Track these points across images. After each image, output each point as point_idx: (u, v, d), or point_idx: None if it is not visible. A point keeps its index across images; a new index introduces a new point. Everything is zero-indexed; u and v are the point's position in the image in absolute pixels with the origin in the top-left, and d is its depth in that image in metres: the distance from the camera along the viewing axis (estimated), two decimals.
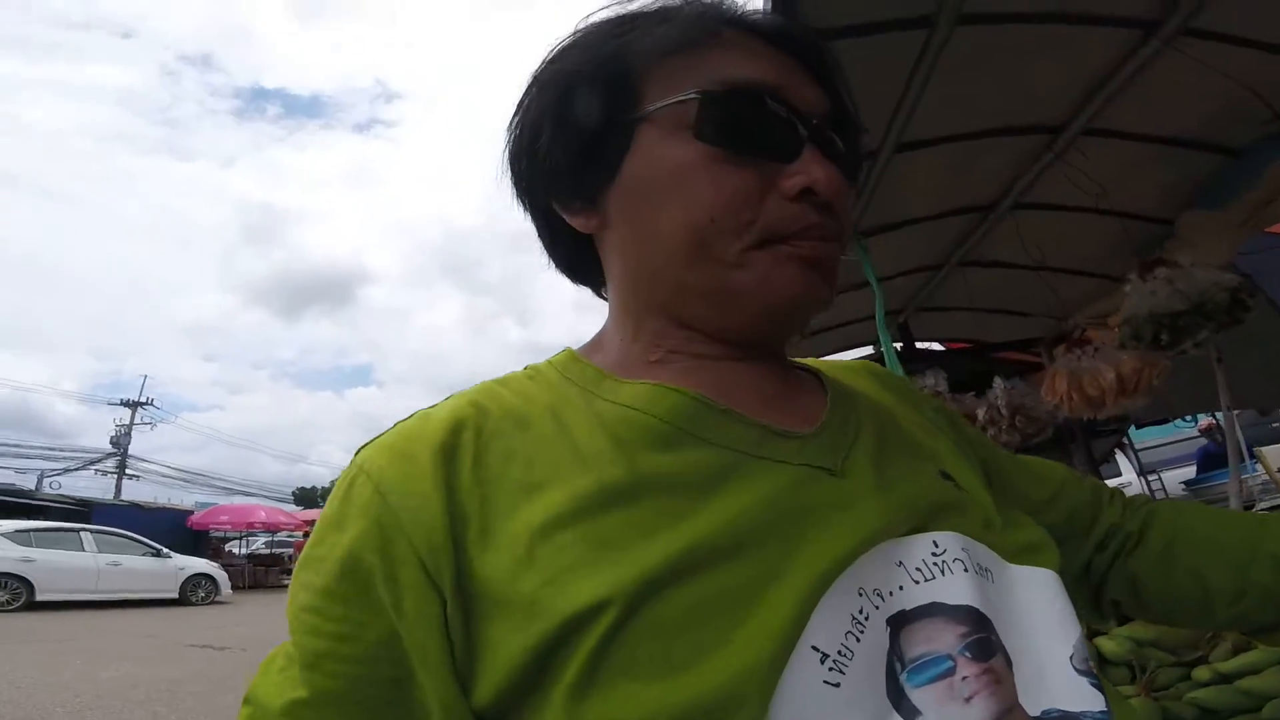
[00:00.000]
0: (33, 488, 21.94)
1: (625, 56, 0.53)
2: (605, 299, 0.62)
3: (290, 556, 23.37)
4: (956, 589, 0.45)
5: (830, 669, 0.40)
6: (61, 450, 29.95)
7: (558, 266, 0.64)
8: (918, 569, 0.46)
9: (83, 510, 17.70)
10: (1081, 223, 2.60)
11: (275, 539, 23.85)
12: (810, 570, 0.43)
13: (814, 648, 0.40)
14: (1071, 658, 0.46)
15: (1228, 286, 2.18)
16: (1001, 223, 2.67)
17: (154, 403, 30.95)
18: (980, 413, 3.35)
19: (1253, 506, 4.42)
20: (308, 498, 41.43)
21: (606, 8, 0.56)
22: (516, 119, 0.58)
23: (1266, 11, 1.65)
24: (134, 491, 29.11)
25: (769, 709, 0.39)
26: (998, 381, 3.37)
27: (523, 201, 0.61)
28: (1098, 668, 0.47)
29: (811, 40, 0.55)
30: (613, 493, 0.45)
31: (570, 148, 0.54)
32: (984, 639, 0.44)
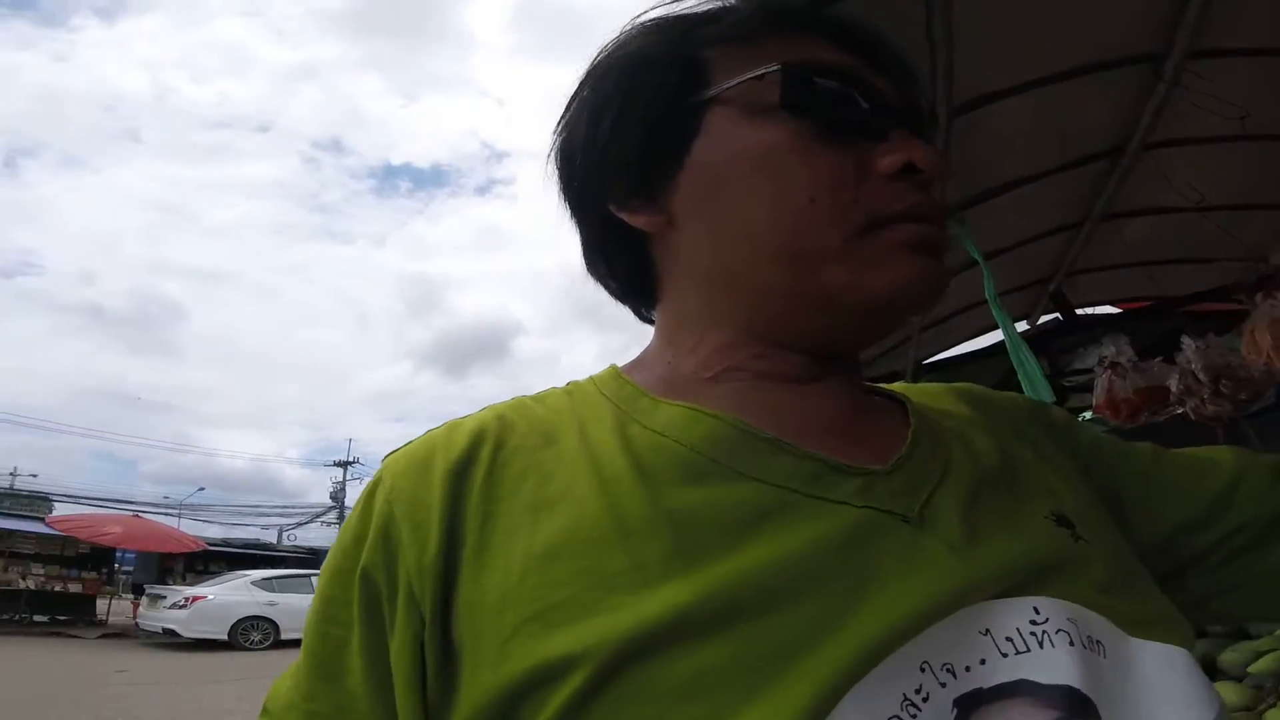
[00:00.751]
0: (274, 540, 25.86)
1: (690, 41, 0.50)
2: (648, 320, 0.58)
3: None
4: (1054, 665, 0.37)
5: None
6: (293, 507, 35.45)
7: (606, 279, 0.58)
8: (1009, 639, 0.38)
9: (313, 558, 20.59)
10: (1238, 152, 2.32)
11: None
12: (854, 642, 0.36)
13: None
14: None
15: None
16: (1139, 165, 2.43)
17: (360, 461, 35.98)
18: (1172, 382, 2.89)
19: None
20: None
21: (657, 6, 0.53)
22: (568, 115, 0.54)
23: None
24: None
25: None
26: (1186, 341, 2.90)
27: (572, 206, 0.56)
28: None
29: (874, 36, 0.51)
30: (625, 526, 0.40)
31: (632, 135, 0.50)
32: None
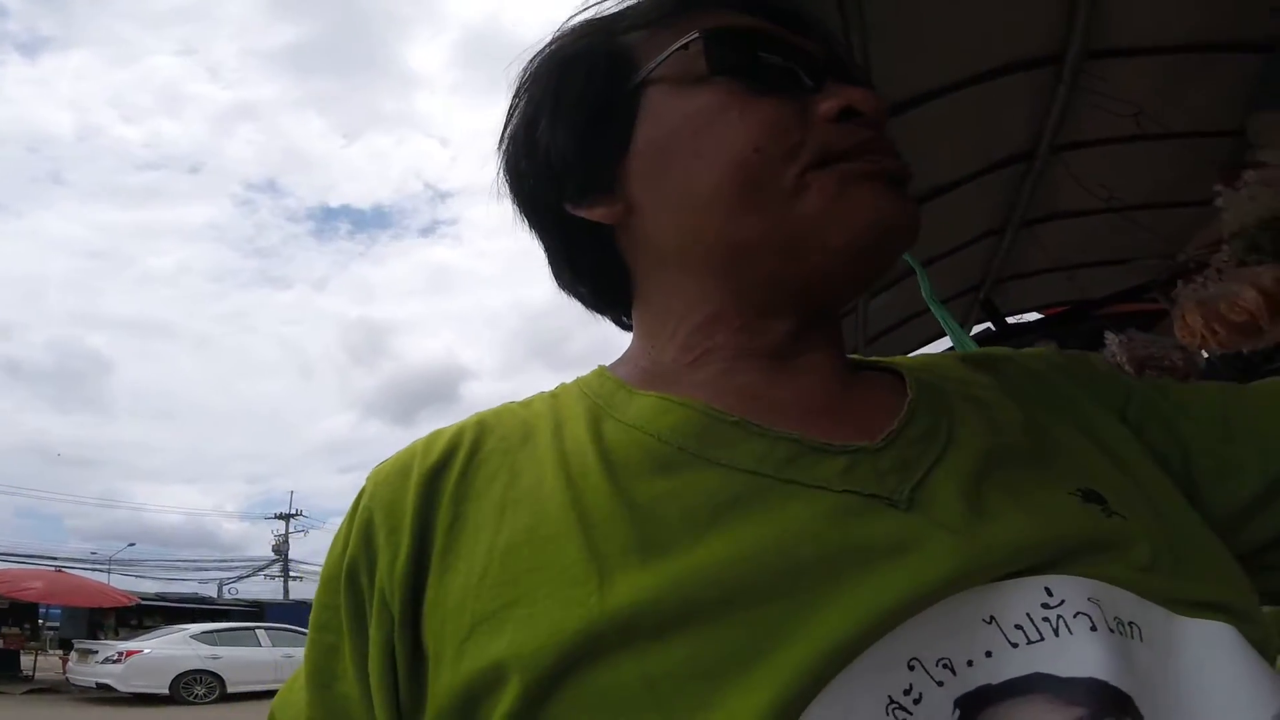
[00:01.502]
0: (214, 594, 24.97)
1: (613, 31, 0.51)
2: (628, 325, 0.57)
3: None
4: (1076, 655, 0.33)
5: None
6: (234, 561, 34.80)
7: (575, 286, 0.58)
8: (1018, 627, 0.34)
9: (256, 611, 20.26)
10: (1142, 152, 2.47)
11: None
12: (823, 638, 0.33)
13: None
14: None
15: None
16: (1050, 170, 2.61)
17: (303, 513, 35.08)
18: None
19: None
20: None
21: (581, 9, 0.54)
22: (508, 127, 0.55)
23: None
24: (300, 591, 33.02)
25: None
26: (1109, 336, 3.06)
27: (528, 217, 0.56)
28: None
29: (791, 3, 0.51)
30: (586, 520, 0.39)
31: (575, 130, 0.50)
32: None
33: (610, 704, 0.33)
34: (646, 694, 0.33)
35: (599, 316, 0.60)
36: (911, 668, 0.33)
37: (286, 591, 31.36)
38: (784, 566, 0.36)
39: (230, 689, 13.46)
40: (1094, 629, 0.34)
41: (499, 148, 0.56)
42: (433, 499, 0.44)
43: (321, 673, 0.44)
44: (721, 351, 0.48)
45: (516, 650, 0.35)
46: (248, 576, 31.91)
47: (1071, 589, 0.35)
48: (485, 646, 0.36)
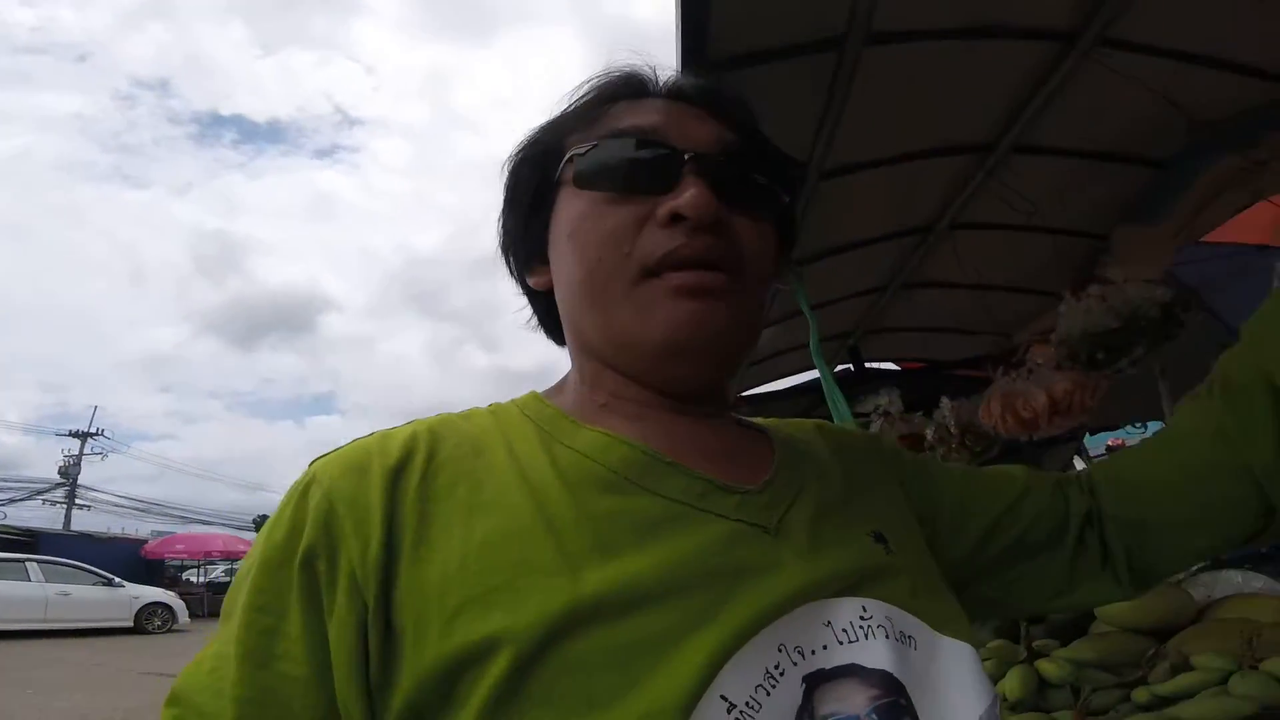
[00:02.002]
0: None
1: (551, 135, 0.60)
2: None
3: None
4: (876, 654, 0.47)
5: (736, 719, 0.43)
6: (5, 481, 28.93)
7: (540, 328, 0.68)
8: (844, 630, 0.48)
9: (28, 540, 17.29)
10: (1018, 241, 2.69)
11: (235, 566, 23.27)
12: (730, 624, 0.45)
13: (723, 697, 0.43)
14: None
15: (1160, 301, 2.19)
16: (941, 243, 2.78)
17: (104, 433, 30.06)
18: (929, 432, 3.40)
19: None
20: None
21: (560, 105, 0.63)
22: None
23: (1180, 20, 1.68)
24: (85, 522, 28.18)
25: None
26: (944, 401, 3.43)
27: (512, 277, 0.66)
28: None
29: (704, 87, 0.60)
30: (552, 525, 0.48)
31: (519, 213, 0.62)
32: (894, 703, 0.46)
33: (584, 667, 0.42)
34: (611, 659, 0.43)
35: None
36: (780, 650, 0.46)
37: (68, 520, 27.41)
38: (702, 570, 0.47)
39: None
40: (888, 637, 0.49)
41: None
42: (398, 496, 0.49)
43: (257, 653, 0.46)
44: (624, 399, 0.58)
45: (509, 625, 0.43)
46: (22, 500, 27.75)
47: (876, 608, 0.50)
48: (474, 624, 0.43)
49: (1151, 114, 1.93)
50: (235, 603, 0.48)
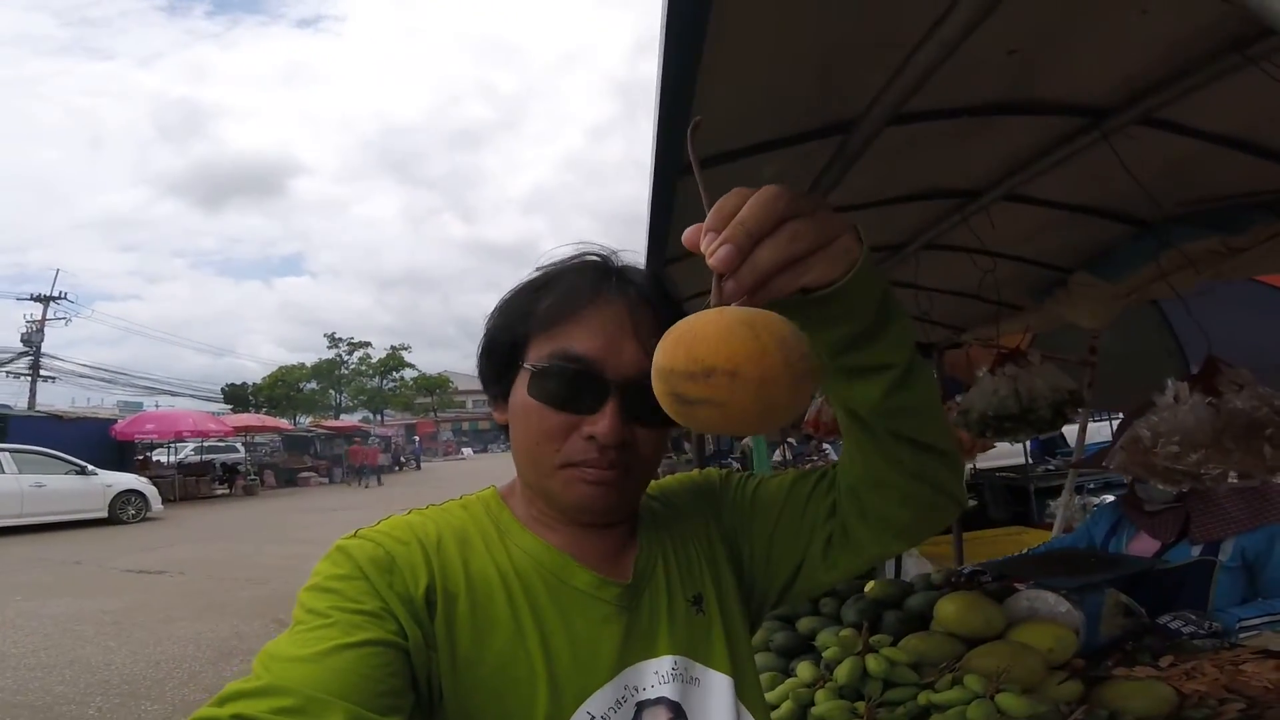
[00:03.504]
0: None
1: (523, 323, 0.75)
2: None
3: (221, 464, 22.65)
4: (672, 690, 0.73)
5: None
6: None
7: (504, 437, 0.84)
8: (659, 675, 0.73)
9: None
10: (980, 261, 2.65)
11: (205, 445, 23.02)
12: (598, 673, 0.70)
13: (589, 713, 0.68)
14: None
15: (1055, 401, 2.48)
16: (907, 261, 2.68)
17: (66, 296, 28.08)
18: None
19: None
20: (238, 395, 39.33)
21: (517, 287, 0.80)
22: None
23: (1232, 104, 1.53)
24: (49, 394, 27.01)
25: None
26: None
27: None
28: None
29: (651, 296, 0.76)
30: (511, 596, 0.71)
31: (491, 373, 0.79)
32: None
33: (510, 685, 0.68)
34: (520, 685, 0.68)
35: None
36: (625, 688, 0.71)
37: (34, 395, 26.16)
38: (592, 639, 0.72)
39: None
40: (682, 680, 0.74)
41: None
42: (433, 563, 0.70)
43: (362, 622, 0.64)
44: (551, 517, 0.77)
45: (478, 654, 0.68)
46: None
47: (680, 661, 0.75)
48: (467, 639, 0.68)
49: (1152, 182, 1.78)
50: (315, 604, 0.63)
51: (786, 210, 0.53)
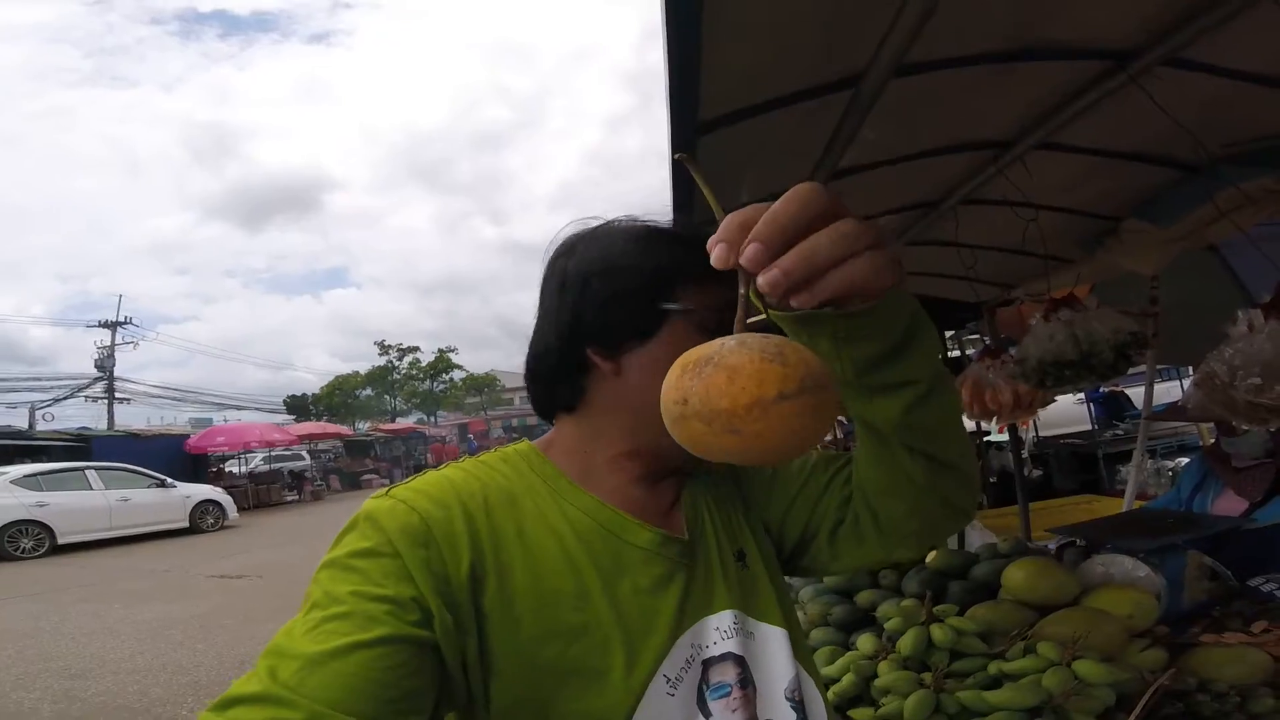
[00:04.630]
0: (25, 425, 21.39)
1: (673, 264, 0.70)
2: (548, 417, 0.79)
3: (289, 471, 23.46)
4: (736, 645, 0.71)
5: (670, 687, 0.66)
6: (47, 380, 28.18)
7: (543, 379, 0.77)
8: (721, 631, 0.71)
9: (83, 445, 17.27)
10: (1022, 213, 2.56)
11: (272, 454, 23.86)
12: (667, 634, 0.67)
13: (665, 676, 0.66)
14: (785, 690, 0.72)
15: (1117, 344, 2.22)
16: (943, 218, 2.59)
17: (132, 320, 29.19)
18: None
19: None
20: (299, 405, 40.67)
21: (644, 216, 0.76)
22: (582, 271, 0.72)
23: (1259, 41, 1.44)
24: (124, 414, 28.23)
25: (638, 706, 0.63)
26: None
27: (560, 333, 0.73)
28: (818, 689, 0.76)
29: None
30: (572, 561, 0.67)
31: (621, 312, 0.70)
32: (745, 675, 0.70)
33: (592, 648, 0.65)
34: (605, 648, 0.65)
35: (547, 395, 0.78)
36: (691, 646, 0.69)
37: (111, 417, 27.46)
38: (658, 594, 0.70)
39: (61, 539, 11.81)
40: (740, 634, 0.71)
41: (572, 272, 0.73)
42: (477, 535, 0.64)
43: (383, 615, 0.58)
44: (622, 472, 0.74)
45: (549, 627, 0.64)
46: (65, 399, 27.59)
47: (738, 616, 0.72)
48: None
49: (1193, 125, 1.69)
50: (342, 584, 0.58)
51: (828, 207, 0.47)
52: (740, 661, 0.70)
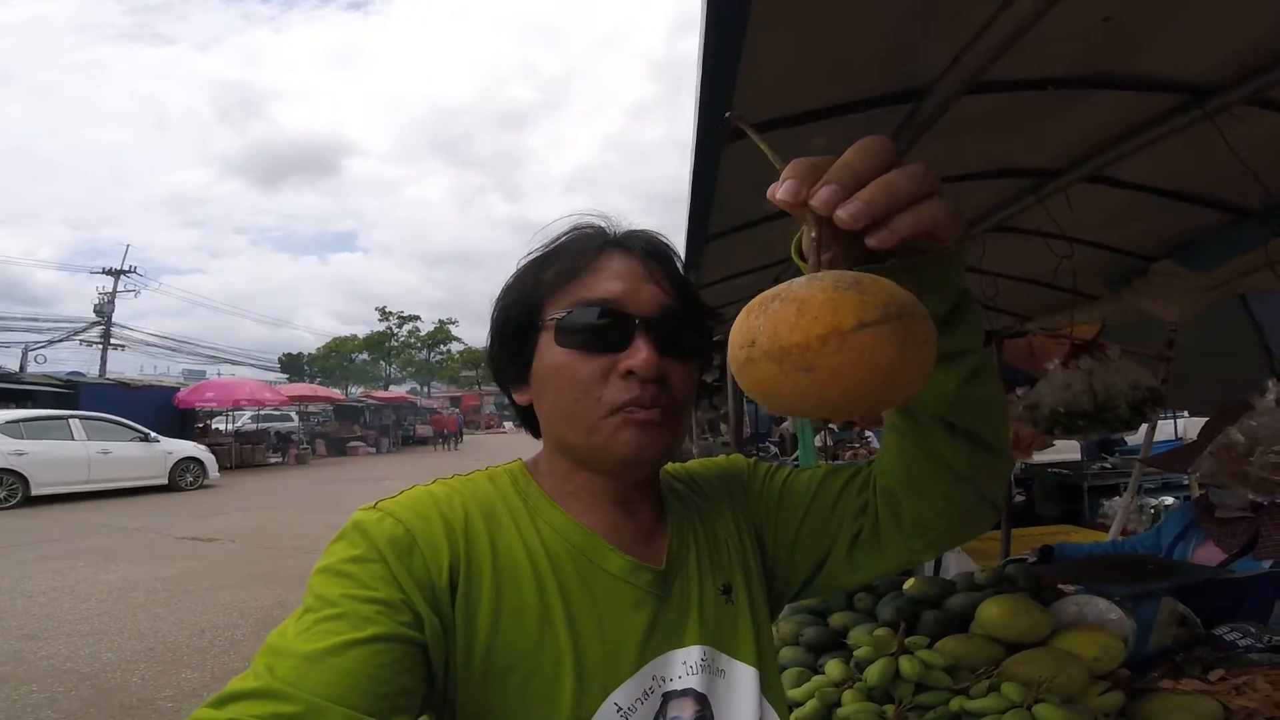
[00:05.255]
0: (16, 367, 21.06)
1: (535, 290, 0.73)
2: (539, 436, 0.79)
3: (275, 432, 23.29)
4: (699, 681, 0.70)
5: (621, 716, 0.65)
6: (45, 321, 27.85)
7: (523, 425, 0.80)
8: (687, 666, 0.70)
9: (70, 392, 16.88)
10: (1056, 247, 2.39)
11: (261, 414, 23.64)
12: (626, 664, 0.67)
13: (615, 705, 0.65)
14: None
15: (1135, 400, 2.15)
16: (976, 242, 2.43)
17: (136, 270, 28.85)
18: None
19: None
20: (294, 365, 40.60)
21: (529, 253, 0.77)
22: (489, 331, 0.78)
23: None
24: (118, 361, 27.98)
25: None
26: None
27: (501, 390, 0.79)
28: None
29: (650, 248, 0.74)
30: (540, 578, 0.67)
31: (508, 351, 0.75)
32: (704, 713, 0.69)
33: (541, 675, 0.65)
34: (555, 676, 0.65)
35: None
36: (652, 679, 0.68)
37: (104, 364, 27.08)
38: (622, 625, 0.69)
39: (35, 490, 11.43)
40: (707, 672, 0.71)
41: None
42: (456, 549, 0.65)
43: (374, 615, 0.60)
44: (583, 491, 0.74)
45: (510, 643, 0.64)
46: (60, 341, 27.26)
47: (708, 652, 0.72)
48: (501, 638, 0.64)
49: (1259, 167, 1.52)
50: (331, 589, 0.59)
51: (894, 158, 0.48)
52: (701, 699, 0.70)
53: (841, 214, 0.45)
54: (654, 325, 0.69)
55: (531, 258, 0.76)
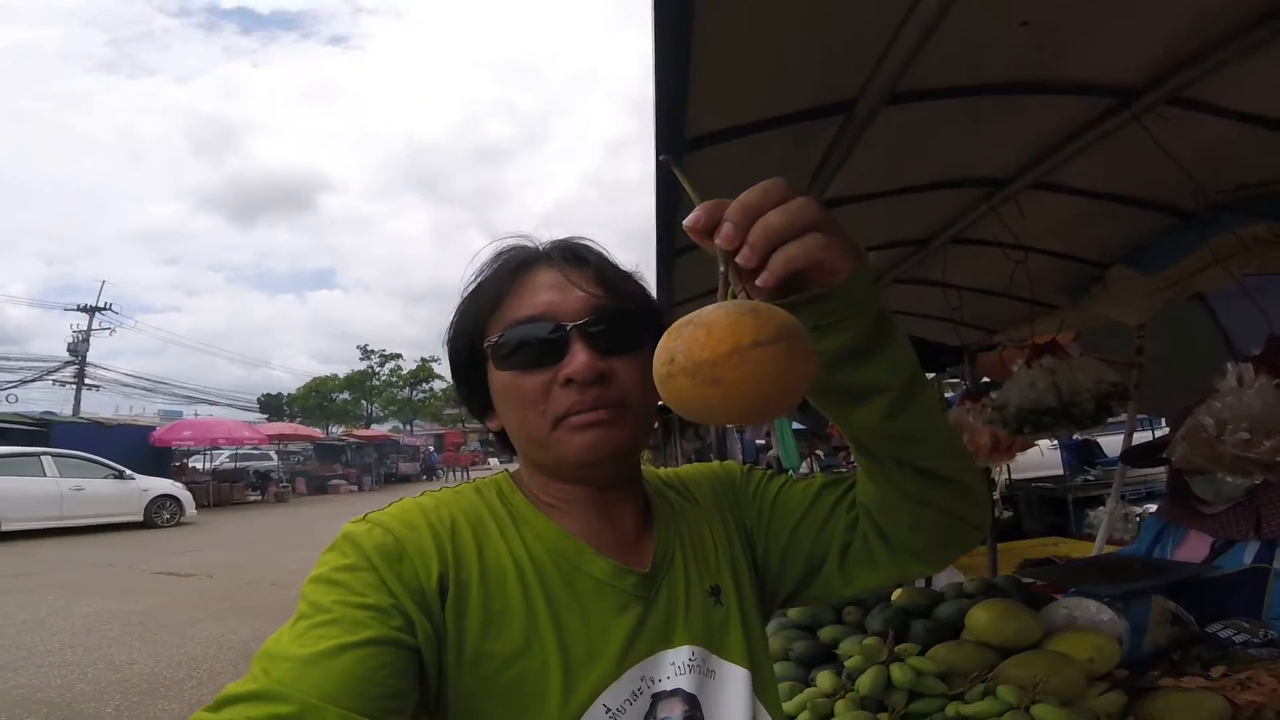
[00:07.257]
0: None
1: (473, 322, 0.75)
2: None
3: (254, 470, 22.97)
4: (688, 682, 0.70)
5: (609, 717, 0.66)
6: (16, 360, 27.44)
7: (502, 448, 0.83)
8: (676, 666, 0.71)
9: (42, 430, 16.71)
10: (1012, 255, 2.53)
11: (239, 452, 23.35)
12: (613, 665, 0.67)
13: (604, 706, 0.66)
14: None
15: (1098, 394, 2.25)
16: (935, 255, 2.56)
17: (112, 307, 28.40)
18: None
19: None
20: (273, 405, 40.02)
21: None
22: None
23: (1264, 82, 1.43)
24: (93, 401, 27.51)
25: None
26: None
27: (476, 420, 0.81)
28: None
29: (577, 253, 0.75)
30: (525, 582, 0.68)
31: (465, 385, 0.78)
32: (694, 714, 0.70)
33: (528, 677, 0.66)
34: (540, 678, 0.66)
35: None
36: (641, 679, 0.69)
37: (78, 403, 26.70)
38: (605, 628, 0.69)
39: (5, 526, 11.37)
40: (696, 672, 0.71)
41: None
42: (445, 556, 0.67)
43: (367, 620, 0.61)
44: (561, 499, 0.75)
45: (497, 649, 0.65)
46: (32, 381, 26.91)
47: (697, 652, 0.72)
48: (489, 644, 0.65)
49: (1192, 168, 1.66)
50: (323, 596, 0.61)
51: (788, 193, 0.53)
52: (691, 699, 0.70)
53: (739, 260, 0.52)
54: (585, 329, 0.70)
55: (465, 291, 0.78)
